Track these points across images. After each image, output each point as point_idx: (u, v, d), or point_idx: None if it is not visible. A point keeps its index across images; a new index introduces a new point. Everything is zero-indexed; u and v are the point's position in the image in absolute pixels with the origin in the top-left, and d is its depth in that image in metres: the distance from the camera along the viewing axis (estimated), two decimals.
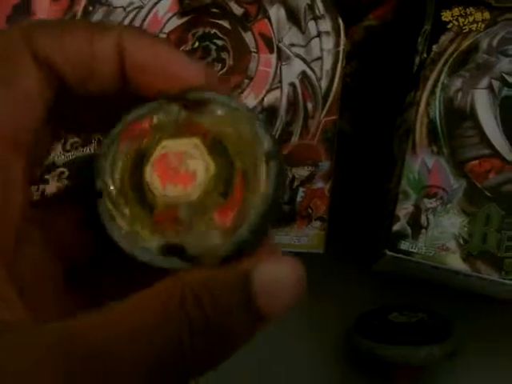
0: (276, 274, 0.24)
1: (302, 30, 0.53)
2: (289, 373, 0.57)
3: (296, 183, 0.54)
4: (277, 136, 0.54)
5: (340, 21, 0.54)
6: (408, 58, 0.58)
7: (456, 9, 0.57)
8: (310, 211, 0.54)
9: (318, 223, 0.54)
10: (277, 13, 0.53)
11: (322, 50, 0.54)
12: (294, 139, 0.54)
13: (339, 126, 0.57)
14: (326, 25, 0.54)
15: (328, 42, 0.54)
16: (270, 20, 0.53)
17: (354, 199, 0.60)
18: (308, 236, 0.54)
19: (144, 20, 0.53)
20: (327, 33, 0.54)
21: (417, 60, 0.57)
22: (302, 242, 0.54)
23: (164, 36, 0.53)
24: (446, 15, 0.57)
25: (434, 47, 0.56)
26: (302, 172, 0.54)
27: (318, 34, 0.54)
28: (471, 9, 0.57)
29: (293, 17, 0.53)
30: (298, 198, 0.54)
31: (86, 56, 0.27)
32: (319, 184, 0.54)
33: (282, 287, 0.24)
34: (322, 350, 0.58)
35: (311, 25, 0.54)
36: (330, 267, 0.58)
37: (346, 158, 0.58)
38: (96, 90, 0.28)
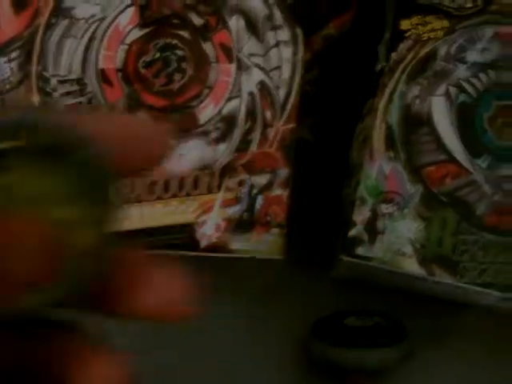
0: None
1: (261, 39, 0.54)
2: (247, 379, 0.59)
3: (255, 191, 0.55)
4: (236, 144, 0.55)
5: (298, 30, 0.55)
6: (368, 67, 0.59)
7: (415, 17, 0.58)
8: (269, 218, 0.55)
9: (276, 230, 0.56)
10: (236, 23, 0.54)
11: (280, 59, 0.55)
12: (253, 147, 0.55)
13: (300, 133, 0.58)
14: (284, 34, 0.55)
15: (286, 52, 0.55)
16: (229, 30, 0.54)
17: (314, 206, 0.61)
18: (267, 242, 0.55)
19: (106, 31, 0.54)
20: (286, 42, 0.55)
21: (377, 68, 0.58)
22: (261, 249, 0.55)
23: (126, 47, 0.54)
24: (405, 24, 0.58)
25: (393, 55, 0.57)
26: (261, 180, 0.55)
27: (277, 44, 0.55)
28: (430, 17, 0.58)
29: (252, 27, 0.54)
30: (257, 206, 0.55)
31: None
32: (278, 191, 0.55)
33: None
34: (281, 355, 0.59)
35: (270, 35, 0.55)
36: (289, 273, 0.59)
37: (307, 165, 0.60)
38: None
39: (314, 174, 0.61)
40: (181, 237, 0.55)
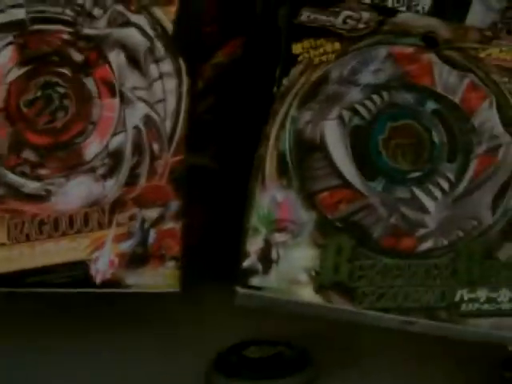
0: None
1: (144, 72, 0.54)
2: None
3: (146, 225, 0.54)
4: (124, 179, 0.54)
5: (182, 62, 0.54)
6: (264, 93, 0.58)
7: (306, 41, 0.58)
8: (163, 251, 0.55)
9: (172, 263, 0.55)
10: (117, 57, 0.54)
11: (164, 91, 0.54)
12: (142, 181, 0.54)
13: (203, 162, 0.57)
14: (167, 66, 0.54)
15: (170, 83, 0.54)
16: (110, 65, 0.54)
17: (216, 235, 0.60)
18: (163, 276, 0.55)
19: None
20: (169, 74, 0.54)
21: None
22: (157, 283, 0.55)
23: (6, 86, 0.54)
24: (297, 48, 0.58)
25: (284, 80, 0.57)
26: (152, 213, 0.54)
27: (160, 76, 0.54)
28: (322, 40, 0.58)
29: (133, 60, 0.54)
30: (150, 240, 0.55)
31: None
32: (170, 224, 0.55)
33: None
34: None
35: (152, 67, 0.54)
36: (190, 303, 0.58)
37: (212, 193, 0.59)
38: None
39: (216, 199, 0.60)
40: (75, 274, 0.54)
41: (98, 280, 0.54)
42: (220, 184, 0.60)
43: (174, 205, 0.55)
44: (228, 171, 0.60)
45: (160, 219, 0.54)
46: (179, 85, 0.54)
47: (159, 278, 0.55)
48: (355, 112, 0.57)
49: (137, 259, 0.54)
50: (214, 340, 0.58)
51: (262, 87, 0.59)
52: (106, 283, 0.54)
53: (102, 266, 0.54)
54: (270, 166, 0.56)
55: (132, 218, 0.54)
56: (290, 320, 0.58)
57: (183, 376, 0.58)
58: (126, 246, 0.54)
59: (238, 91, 0.59)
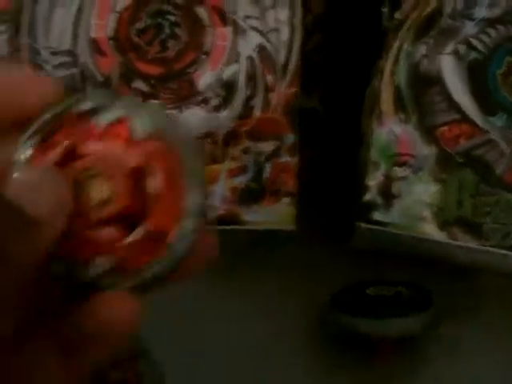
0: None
1: (256, 1, 0.52)
2: (267, 353, 0.55)
3: (262, 159, 0.52)
4: (238, 111, 0.52)
5: None
6: (373, 28, 0.56)
7: None
8: (279, 187, 0.52)
9: (287, 199, 0.52)
10: None
11: (277, 20, 0.52)
12: (256, 113, 0.52)
13: (310, 104, 0.55)
14: None
15: (283, 13, 0.52)
16: None
17: (326, 176, 0.58)
18: (278, 212, 0.52)
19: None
20: (282, 3, 0.52)
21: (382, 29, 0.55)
22: (272, 219, 0.52)
23: (116, 15, 0.52)
24: None
25: (397, 14, 0.55)
26: (267, 147, 0.52)
27: (273, 5, 0.52)
28: None
29: None
30: (265, 174, 0.52)
31: None
32: (285, 158, 0.52)
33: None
34: (300, 329, 0.56)
35: None
36: (302, 244, 0.56)
37: (317, 135, 0.57)
38: None
39: (325, 143, 0.58)
40: None
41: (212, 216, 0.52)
42: (327, 126, 0.58)
43: (290, 138, 0.52)
44: (335, 113, 0.58)
45: (275, 153, 0.52)
46: (292, 14, 0.52)
47: (275, 214, 0.52)
48: (471, 46, 0.55)
49: (252, 194, 0.52)
50: (329, 280, 0.55)
51: (369, 23, 0.57)
52: (221, 219, 0.51)
53: (216, 202, 0.51)
54: (386, 100, 0.54)
55: (246, 151, 0.52)
56: (410, 262, 0.56)
57: (300, 314, 0.56)
58: (241, 180, 0.52)
59: (345, 28, 0.57)
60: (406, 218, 0.52)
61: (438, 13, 0.55)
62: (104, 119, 0.26)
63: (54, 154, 0.26)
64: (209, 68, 0.52)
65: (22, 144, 0.26)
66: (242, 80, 0.52)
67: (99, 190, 0.25)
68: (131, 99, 0.27)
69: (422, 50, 0.54)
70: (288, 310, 0.56)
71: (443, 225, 0.52)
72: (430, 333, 0.53)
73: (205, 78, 0.52)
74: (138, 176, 0.25)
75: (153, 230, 0.25)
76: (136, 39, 0.52)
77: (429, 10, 0.55)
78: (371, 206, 0.51)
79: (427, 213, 0.52)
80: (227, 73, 0.52)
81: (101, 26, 0.52)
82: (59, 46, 0.52)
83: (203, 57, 0.52)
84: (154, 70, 0.52)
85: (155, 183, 0.25)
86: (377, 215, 0.51)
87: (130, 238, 0.25)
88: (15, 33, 0.52)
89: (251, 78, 0.52)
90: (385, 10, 0.55)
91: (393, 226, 0.51)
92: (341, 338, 0.56)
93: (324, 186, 0.57)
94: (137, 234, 0.25)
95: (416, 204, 0.52)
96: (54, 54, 0.52)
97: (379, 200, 0.52)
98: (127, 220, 0.25)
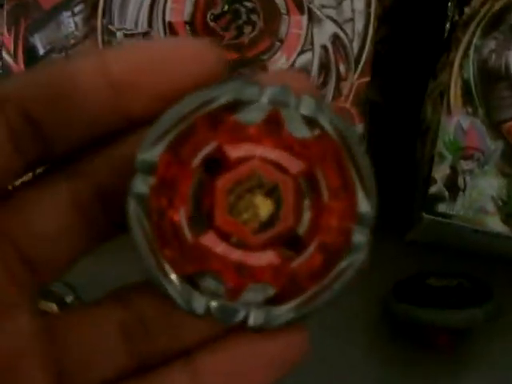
0: None
1: None
2: (326, 342, 0.56)
3: None
4: None
5: None
6: (438, 23, 0.57)
7: None
8: None
9: None
10: None
11: (353, 10, 0.53)
12: (327, 102, 0.53)
13: (370, 96, 0.56)
14: None
15: (359, 3, 0.53)
16: None
17: (386, 168, 0.58)
18: None
19: None
20: None
21: (448, 24, 0.56)
22: None
23: (193, 0, 0.52)
24: None
25: (466, 9, 0.55)
26: None
27: None
28: None
29: None
30: None
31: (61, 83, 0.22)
32: None
33: None
34: (360, 318, 0.57)
35: None
36: None
37: (376, 127, 0.57)
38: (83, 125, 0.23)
39: (385, 134, 0.59)
40: None
41: None
42: (385, 118, 0.58)
43: (359, 127, 0.53)
44: (393, 104, 0.59)
45: None
46: (368, 5, 0.53)
47: None
48: None
49: None
50: (391, 271, 0.56)
51: (432, 19, 0.57)
52: None
53: None
54: (454, 93, 0.54)
55: None
56: (472, 255, 0.56)
57: (362, 305, 0.56)
58: None
59: (412, 23, 0.58)
60: (470, 211, 0.52)
61: (507, 9, 0.55)
62: (251, 116, 0.21)
63: (195, 160, 0.21)
64: (283, 55, 0.52)
65: (150, 142, 0.21)
66: (314, 68, 0.53)
67: (261, 209, 0.21)
68: (276, 89, 0.21)
69: (491, 45, 0.55)
70: (350, 301, 0.57)
71: (507, 219, 0.52)
72: (490, 325, 0.54)
73: (278, 65, 0.52)
74: (303, 186, 0.21)
75: (321, 249, 0.21)
76: (212, 24, 0.52)
77: (498, 5, 0.55)
78: (437, 198, 0.52)
79: (491, 206, 0.52)
80: (300, 60, 0.52)
81: (177, 10, 0.52)
82: (135, 28, 0.52)
83: (278, 44, 0.52)
84: (228, 55, 0.52)
85: (326, 189, 0.21)
86: (442, 207, 0.52)
87: (296, 262, 0.21)
88: (91, 13, 0.52)
89: (324, 66, 0.53)
90: (451, 5, 0.56)
91: (457, 219, 0.52)
92: (403, 328, 0.56)
93: (383, 177, 0.58)
94: (304, 256, 0.21)
95: (480, 197, 0.53)
96: (129, 36, 0.52)
97: (445, 192, 0.52)
98: (287, 239, 0.21)
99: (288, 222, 0.21)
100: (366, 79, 0.53)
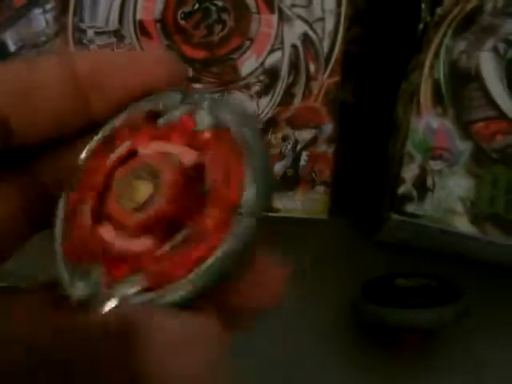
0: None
1: None
2: (295, 343, 0.56)
3: (299, 147, 0.53)
4: (279, 98, 0.53)
5: None
6: (412, 24, 0.57)
7: None
8: (314, 175, 0.53)
9: (321, 188, 0.53)
10: None
11: (323, 10, 0.53)
12: (297, 101, 0.53)
13: (342, 96, 0.56)
14: None
15: (330, 2, 0.53)
16: None
17: (358, 166, 0.59)
18: (312, 201, 0.53)
19: None
20: None
21: (421, 25, 0.56)
22: (305, 208, 0.53)
23: None
24: None
25: (438, 10, 0.55)
26: (305, 135, 0.53)
27: None
28: None
29: None
30: (302, 162, 0.53)
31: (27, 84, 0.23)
32: (323, 147, 0.53)
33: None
34: (328, 318, 0.57)
35: None
36: (334, 233, 0.56)
37: (349, 127, 0.57)
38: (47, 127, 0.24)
39: (357, 134, 0.59)
40: None
41: None
42: (358, 119, 0.58)
43: (328, 127, 0.53)
44: (366, 105, 0.59)
45: (313, 142, 0.53)
46: (338, 4, 0.53)
47: (309, 203, 0.53)
48: (510, 44, 0.55)
49: (287, 182, 0.53)
50: (359, 270, 0.56)
51: (407, 20, 0.58)
52: None
53: None
54: (424, 93, 0.54)
55: (285, 138, 0.53)
56: (440, 256, 0.56)
57: (330, 304, 0.56)
58: (278, 167, 0.53)
59: (385, 24, 0.58)
60: (439, 211, 0.52)
61: (478, 10, 0.55)
62: (167, 119, 0.24)
63: (115, 155, 0.23)
64: (253, 54, 0.53)
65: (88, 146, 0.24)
66: (284, 67, 0.53)
67: (140, 191, 0.22)
68: (200, 95, 0.23)
69: (462, 45, 0.55)
70: (317, 300, 0.57)
71: (475, 220, 0.53)
72: (455, 326, 0.54)
73: (248, 64, 0.53)
74: (192, 174, 0.22)
75: (196, 234, 0.21)
76: (182, 22, 0.52)
77: (469, 6, 0.55)
78: (405, 198, 0.52)
79: (460, 207, 0.53)
80: (270, 60, 0.53)
81: (148, 9, 0.52)
82: (105, 26, 0.52)
83: (248, 43, 0.53)
84: (198, 53, 0.52)
85: (210, 180, 0.22)
86: (410, 207, 0.52)
87: (166, 247, 0.22)
88: (62, 11, 0.52)
89: (294, 65, 0.53)
90: (424, 4, 0.56)
91: (425, 219, 0.52)
92: (371, 328, 0.56)
93: (355, 178, 0.58)
94: (175, 240, 0.22)
95: (449, 198, 0.53)
96: (100, 33, 0.52)
97: (413, 193, 0.53)
98: (168, 226, 0.22)
99: (162, 207, 0.22)
100: (336, 79, 0.53)
